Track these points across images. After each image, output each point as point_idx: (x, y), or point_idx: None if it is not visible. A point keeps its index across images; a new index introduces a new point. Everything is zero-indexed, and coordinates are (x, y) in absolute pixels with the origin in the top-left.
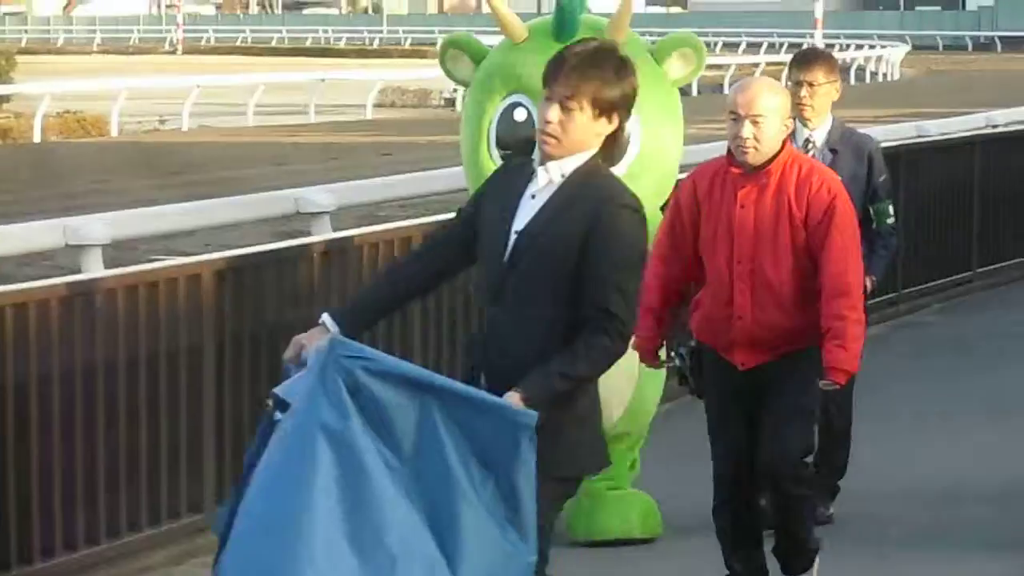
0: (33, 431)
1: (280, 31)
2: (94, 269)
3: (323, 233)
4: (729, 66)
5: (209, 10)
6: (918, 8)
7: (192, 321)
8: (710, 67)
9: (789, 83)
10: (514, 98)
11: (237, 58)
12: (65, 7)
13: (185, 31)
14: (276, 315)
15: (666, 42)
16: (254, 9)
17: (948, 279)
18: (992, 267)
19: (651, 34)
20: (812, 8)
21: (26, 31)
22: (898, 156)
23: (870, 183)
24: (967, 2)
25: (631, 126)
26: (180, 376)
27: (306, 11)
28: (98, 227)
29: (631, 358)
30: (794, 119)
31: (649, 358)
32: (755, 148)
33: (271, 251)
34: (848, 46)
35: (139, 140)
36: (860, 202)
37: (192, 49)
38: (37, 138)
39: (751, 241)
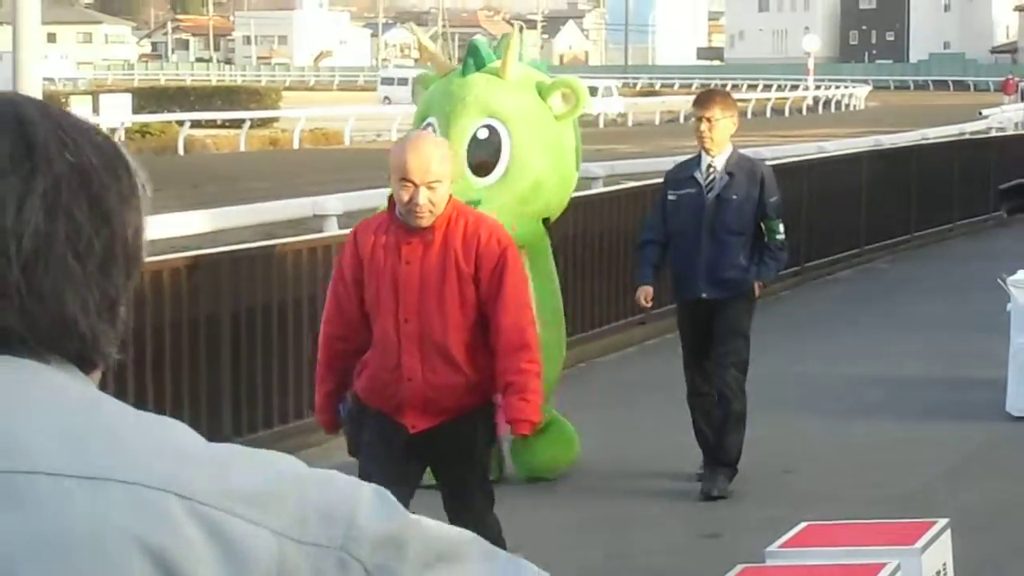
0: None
1: None
2: (331, 230)
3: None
4: (750, 100)
5: (409, 63)
6: (877, 61)
7: None
8: (738, 99)
9: (693, 120)
10: (429, 119)
11: None
12: (316, 59)
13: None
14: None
15: (553, 83)
16: None
17: (892, 239)
18: (929, 229)
19: (698, 79)
20: (806, 62)
21: (288, 75)
22: (861, 159)
23: (762, 201)
24: (910, 57)
25: (503, 143)
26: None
27: None
28: (334, 202)
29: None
30: (700, 151)
31: (328, 427)
32: (431, 212)
33: None
34: (830, 86)
35: (363, 147)
36: (753, 217)
37: None
38: (296, 146)
39: (417, 298)
